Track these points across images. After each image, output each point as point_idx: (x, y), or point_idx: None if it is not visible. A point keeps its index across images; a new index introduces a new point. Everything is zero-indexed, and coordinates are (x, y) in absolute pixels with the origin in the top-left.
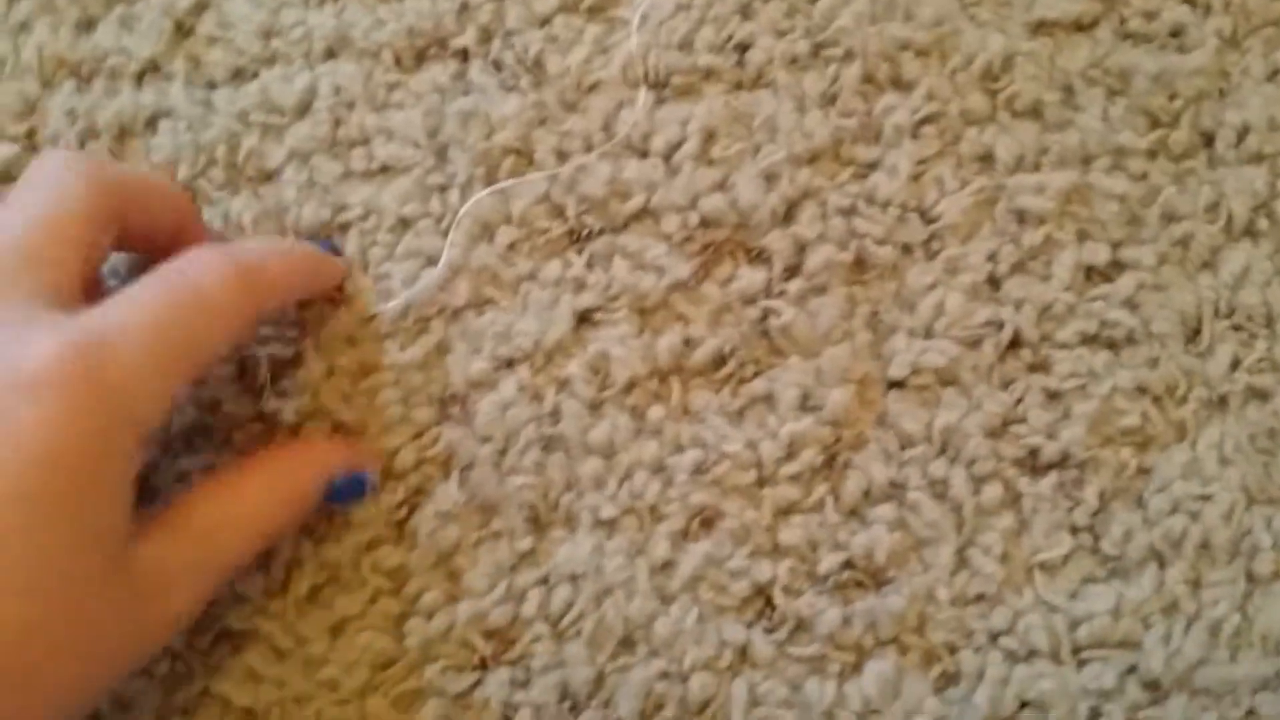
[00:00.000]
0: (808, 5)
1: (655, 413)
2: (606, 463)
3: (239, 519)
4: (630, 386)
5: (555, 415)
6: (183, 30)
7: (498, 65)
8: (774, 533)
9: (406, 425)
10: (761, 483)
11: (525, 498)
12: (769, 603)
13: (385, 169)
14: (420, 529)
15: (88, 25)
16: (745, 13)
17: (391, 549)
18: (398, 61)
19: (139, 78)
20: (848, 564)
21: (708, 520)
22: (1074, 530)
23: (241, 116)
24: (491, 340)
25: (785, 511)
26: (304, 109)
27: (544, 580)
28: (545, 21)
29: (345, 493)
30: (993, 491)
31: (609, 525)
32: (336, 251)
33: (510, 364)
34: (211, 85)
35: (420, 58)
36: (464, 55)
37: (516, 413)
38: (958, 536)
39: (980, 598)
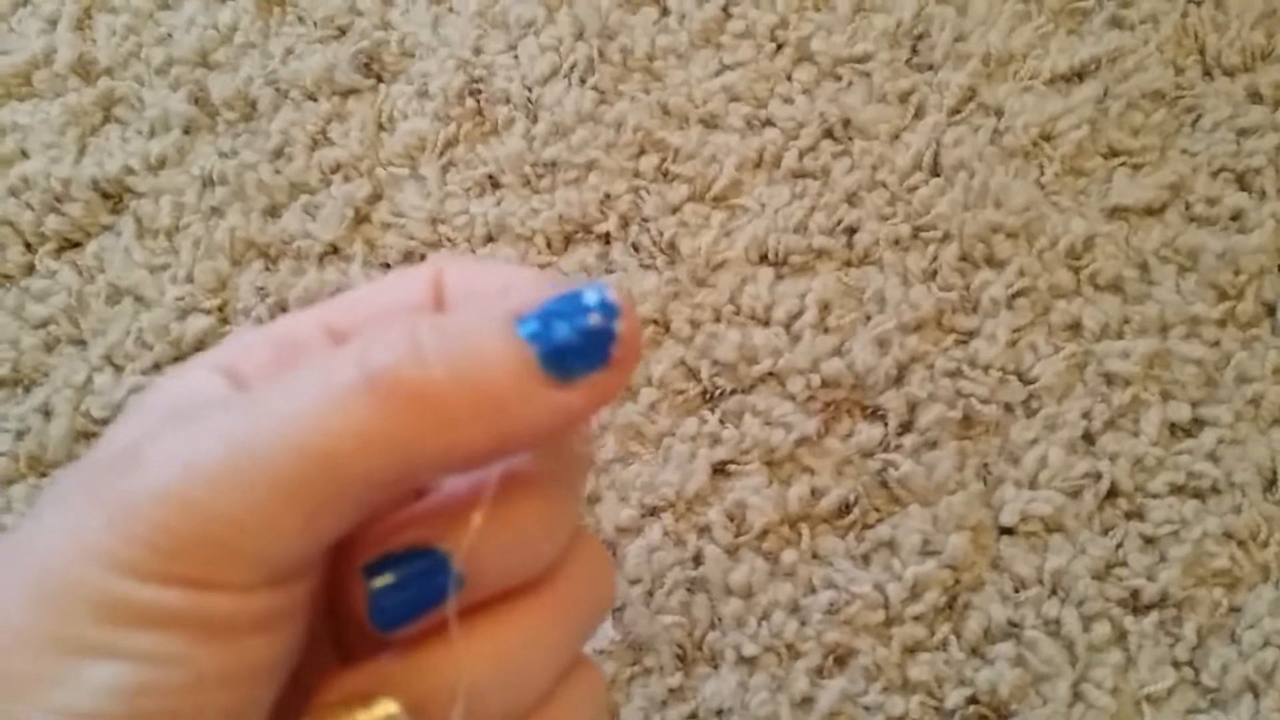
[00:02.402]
0: (907, 194)
1: (788, 556)
2: (746, 603)
3: None
4: (764, 532)
5: (697, 559)
6: (360, 217)
7: (636, 247)
8: (903, 669)
9: None
10: (889, 622)
11: (673, 636)
12: None
13: None
14: None
15: (274, 211)
16: (852, 201)
17: None
18: (549, 245)
19: (321, 259)
20: (973, 699)
21: (841, 658)
22: (1176, 664)
23: None
24: (637, 490)
25: (912, 649)
26: None
27: (693, 715)
28: (676, 209)
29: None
30: (1101, 629)
31: (751, 662)
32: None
33: (655, 512)
34: (386, 266)
35: (569, 241)
36: (606, 239)
37: (662, 556)
38: (1072, 672)
39: None
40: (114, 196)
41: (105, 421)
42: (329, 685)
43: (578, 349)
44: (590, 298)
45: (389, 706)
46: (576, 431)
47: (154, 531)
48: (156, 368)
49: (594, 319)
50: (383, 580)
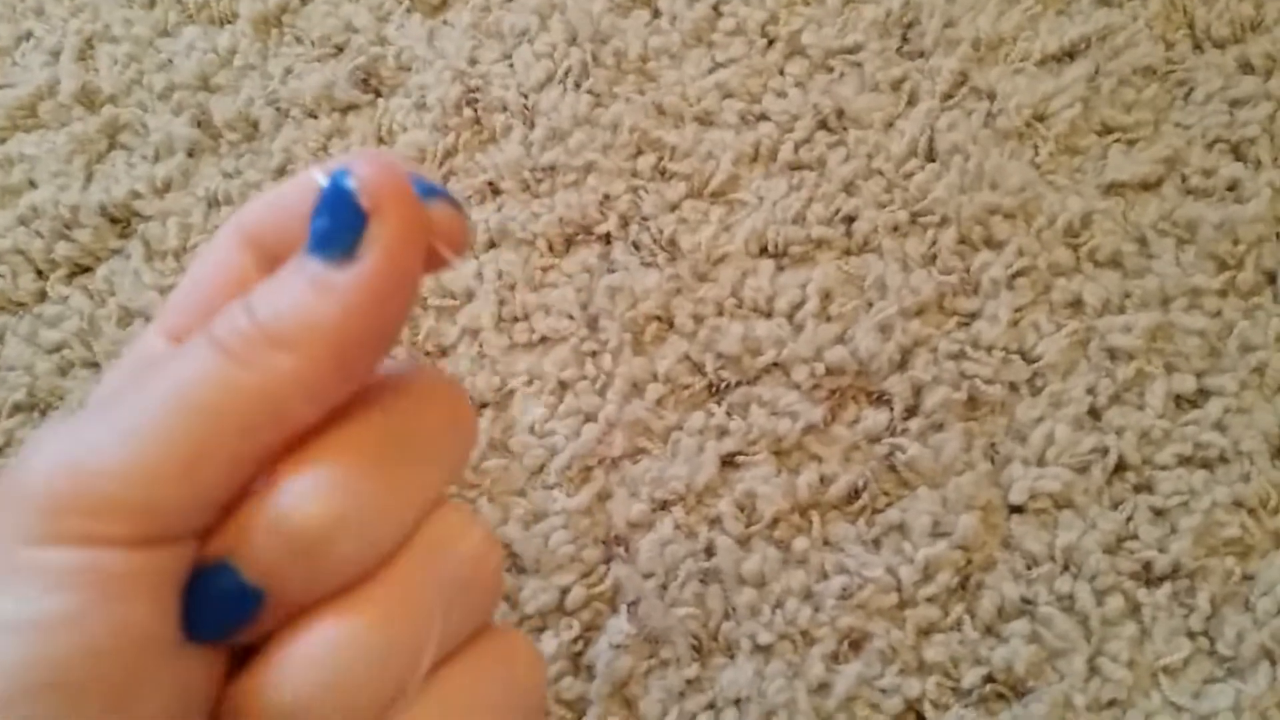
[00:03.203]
0: (904, 180)
1: (800, 544)
2: (759, 592)
3: None
4: (775, 521)
5: (710, 550)
6: None
7: (637, 246)
8: (919, 651)
9: (577, 565)
10: (903, 605)
11: (689, 627)
12: (920, 717)
13: (545, 339)
14: (597, 661)
15: None
16: (849, 190)
17: (572, 681)
18: (550, 248)
19: None
20: (989, 678)
21: (856, 642)
22: (1191, 635)
23: (420, 301)
24: (647, 485)
25: (927, 631)
26: (472, 292)
27: (711, 705)
28: (675, 207)
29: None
30: (1115, 603)
31: (766, 650)
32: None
33: (665, 506)
34: None
35: (570, 243)
36: (607, 239)
37: (674, 549)
38: (1088, 646)
39: (1113, 703)
40: (122, 221)
41: None
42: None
43: (337, 225)
44: (328, 183)
45: None
46: (419, 384)
47: (39, 496)
48: None
49: (332, 207)
50: (187, 594)
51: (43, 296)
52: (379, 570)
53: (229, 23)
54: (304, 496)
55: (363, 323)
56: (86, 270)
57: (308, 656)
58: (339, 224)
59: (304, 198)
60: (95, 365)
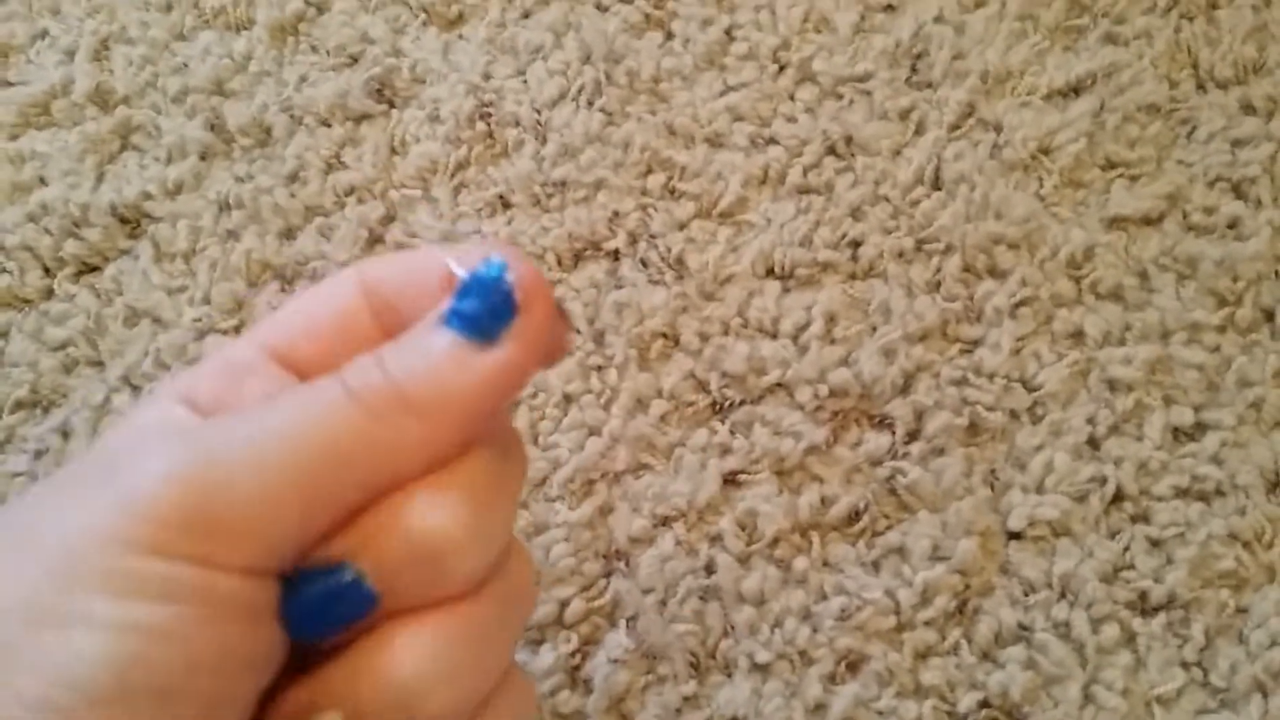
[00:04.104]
0: (910, 208)
1: (799, 564)
2: (758, 610)
3: None
4: (775, 540)
5: (710, 567)
6: (374, 238)
7: (645, 263)
8: (915, 674)
9: (577, 578)
10: (901, 627)
11: (687, 644)
12: None
13: None
14: (594, 675)
15: (290, 234)
16: (855, 215)
17: (569, 694)
18: (559, 262)
19: None
20: (985, 703)
21: (854, 664)
22: (1185, 665)
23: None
24: (649, 501)
25: (924, 654)
26: None
27: None
28: (684, 226)
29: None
30: (1110, 632)
31: (764, 669)
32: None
33: (667, 522)
34: None
35: (578, 258)
36: (615, 255)
37: (675, 566)
38: (1083, 674)
39: None
40: (132, 221)
41: None
42: (280, 699)
43: (488, 311)
44: (486, 269)
45: (331, 717)
46: (510, 434)
47: (165, 508)
48: None
49: (487, 295)
50: (296, 594)
51: (50, 294)
52: (480, 589)
53: (245, 29)
54: (438, 509)
55: (490, 403)
56: (94, 269)
57: (429, 643)
58: (492, 310)
59: (431, 271)
60: (100, 364)
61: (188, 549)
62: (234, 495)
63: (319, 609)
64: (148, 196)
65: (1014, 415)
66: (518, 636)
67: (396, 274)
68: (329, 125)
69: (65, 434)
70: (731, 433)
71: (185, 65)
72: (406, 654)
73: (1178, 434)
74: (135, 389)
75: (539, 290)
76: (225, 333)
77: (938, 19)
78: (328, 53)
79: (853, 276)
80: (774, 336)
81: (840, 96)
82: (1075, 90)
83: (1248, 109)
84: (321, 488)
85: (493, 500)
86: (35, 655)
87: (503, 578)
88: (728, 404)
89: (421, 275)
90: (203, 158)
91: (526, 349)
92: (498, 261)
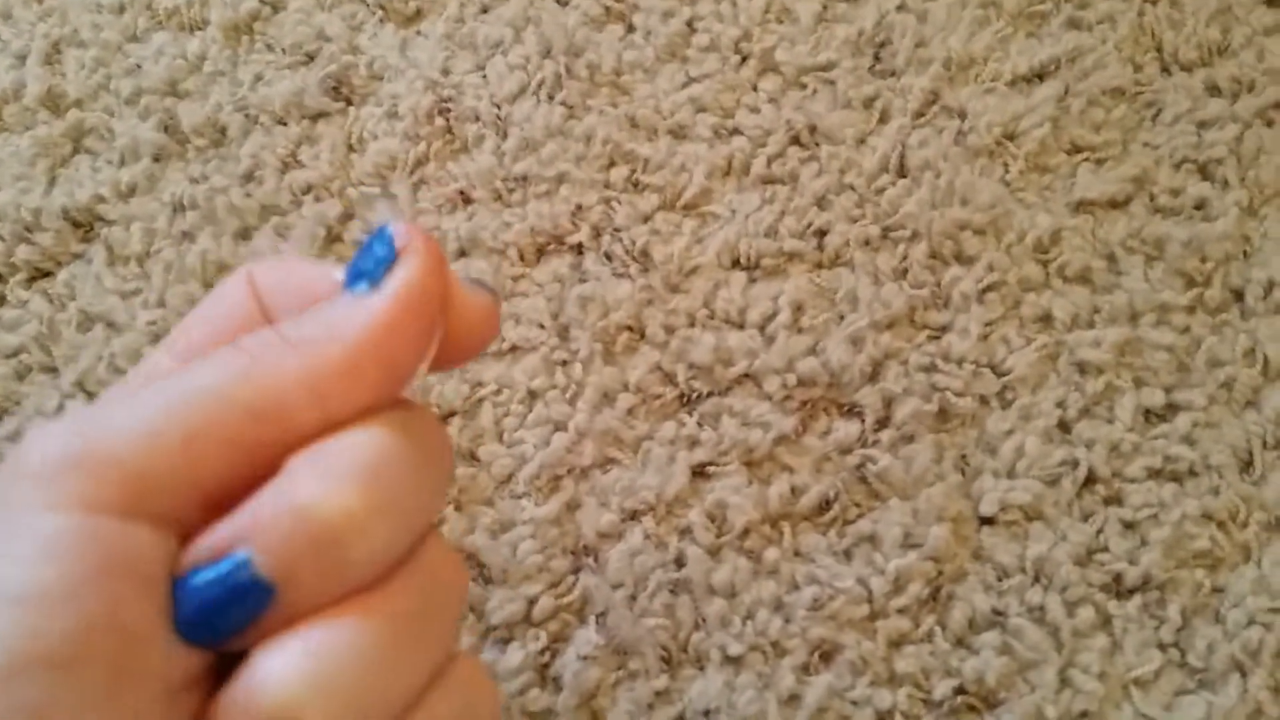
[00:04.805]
0: (875, 195)
1: (770, 555)
2: (730, 603)
3: None
4: (746, 532)
5: (680, 561)
6: (332, 236)
7: (609, 256)
8: (890, 662)
9: (545, 575)
10: (874, 616)
11: (658, 638)
12: None
13: (515, 348)
14: (564, 673)
15: (246, 234)
16: (821, 204)
17: (539, 693)
18: (522, 257)
19: None
20: (960, 689)
21: (827, 654)
22: (1162, 646)
23: None
24: (617, 495)
25: (898, 642)
26: None
27: (680, 717)
28: (648, 218)
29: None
30: (1086, 615)
31: (736, 662)
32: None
33: (635, 516)
34: None
35: (541, 253)
36: (579, 249)
37: (644, 560)
38: (1059, 658)
39: (1084, 715)
40: (85, 225)
41: None
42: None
43: (370, 260)
44: (374, 237)
45: None
46: (420, 415)
47: (37, 464)
48: None
49: (377, 236)
50: (184, 592)
51: (1, 300)
52: (387, 581)
53: (199, 29)
54: (331, 481)
55: (374, 337)
56: (47, 274)
57: (307, 653)
58: (374, 258)
59: (320, 278)
60: (53, 370)
61: (66, 492)
62: (110, 432)
63: (209, 605)
64: (101, 199)
65: (984, 400)
66: (448, 630)
67: (286, 279)
68: (285, 124)
69: (18, 442)
70: (699, 425)
71: (138, 67)
72: (295, 661)
73: (1149, 415)
74: (89, 395)
75: (420, 237)
76: None
77: (900, 7)
78: (283, 51)
79: (819, 265)
80: (741, 327)
81: (804, 86)
82: (1039, 75)
83: (1213, 90)
84: (201, 421)
85: (396, 475)
86: None
87: (418, 567)
88: (695, 396)
89: (311, 284)
90: (156, 159)
91: (408, 285)
92: (385, 227)
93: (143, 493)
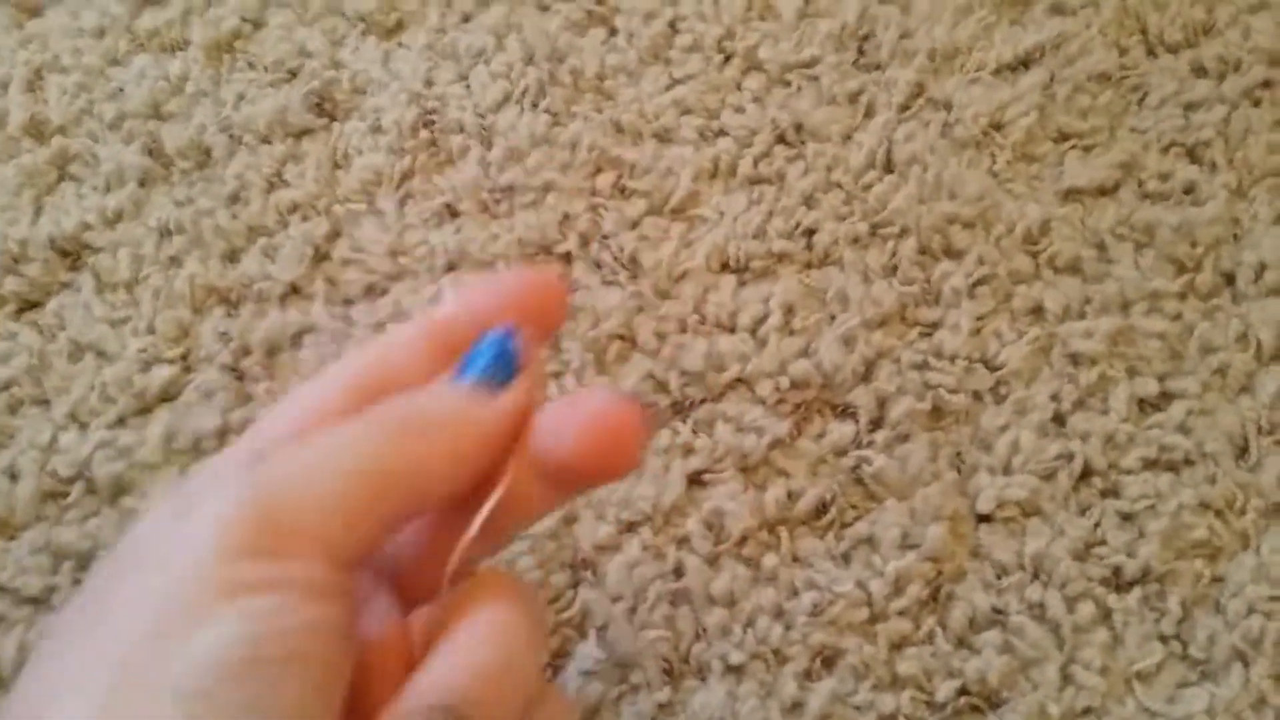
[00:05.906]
0: (863, 192)
1: (769, 561)
2: (730, 611)
3: None
4: (743, 539)
5: (678, 571)
6: (320, 255)
7: (598, 264)
8: (891, 666)
9: (544, 590)
10: (874, 619)
11: (659, 650)
12: None
13: None
14: (567, 689)
15: (233, 256)
16: (809, 203)
17: None
18: (511, 269)
19: (283, 300)
20: (963, 690)
21: (829, 659)
22: (1163, 639)
23: (378, 327)
24: (614, 507)
25: (899, 645)
26: None
27: None
28: (636, 224)
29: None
30: (1086, 610)
31: (738, 671)
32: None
33: (632, 527)
34: (349, 302)
35: (530, 263)
36: (568, 258)
37: (643, 571)
38: (1060, 654)
39: (1088, 710)
40: (72, 254)
41: (71, 480)
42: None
43: (498, 367)
44: (498, 337)
45: None
46: (528, 592)
47: (240, 526)
48: (121, 422)
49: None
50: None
51: None
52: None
53: (180, 50)
54: (473, 679)
55: (500, 427)
56: (36, 305)
57: None
58: (503, 369)
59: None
60: (45, 402)
61: (269, 548)
62: (291, 506)
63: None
64: (87, 227)
65: (977, 396)
66: None
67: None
68: (269, 143)
69: (13, 476)
70: (694, 432)
71: (121, 90)
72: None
73: (1143, 405)
74: (82, 425)
75: (531, 356)
76: (171, 362)
77: None
78: (265, 69)
79: (808, 266)
80: (732, 331)
81: (788, 83)
82: (1024, 63)
83: (1199, 72)
84: (362, 493)
85: (521, 661)
86: (179, 650)
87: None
88: (688, 403)
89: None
90: (142, 184)
91: (527, 395)
92: (504, 333)
93: (323, 552)
